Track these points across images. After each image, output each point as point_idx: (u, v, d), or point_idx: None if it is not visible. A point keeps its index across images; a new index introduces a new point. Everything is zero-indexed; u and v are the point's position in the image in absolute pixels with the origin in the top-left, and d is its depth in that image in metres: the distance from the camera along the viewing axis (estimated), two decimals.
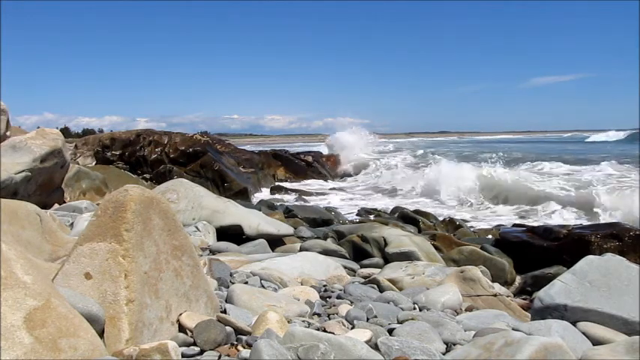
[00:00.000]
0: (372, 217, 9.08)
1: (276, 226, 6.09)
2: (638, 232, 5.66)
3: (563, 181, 12.15)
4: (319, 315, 2.53)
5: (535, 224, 7.54)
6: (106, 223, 1.81)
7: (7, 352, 1.27)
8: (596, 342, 2.21)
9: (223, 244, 5.00)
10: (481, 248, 5.70)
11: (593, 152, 25.80)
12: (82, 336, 1.45)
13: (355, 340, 1.74)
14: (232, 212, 6.19)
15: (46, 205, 6.64)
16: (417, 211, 8.97)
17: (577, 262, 2.66)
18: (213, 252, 4.56)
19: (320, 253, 4.62)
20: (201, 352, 1.78)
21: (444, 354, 1.98)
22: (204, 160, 14.12)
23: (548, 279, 4.16)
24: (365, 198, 13.35)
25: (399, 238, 5.40)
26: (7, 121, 7.96)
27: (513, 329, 2.19)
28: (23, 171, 7.17)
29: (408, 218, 8.43)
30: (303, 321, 2.31)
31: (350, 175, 18.21)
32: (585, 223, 7.12)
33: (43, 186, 7.79)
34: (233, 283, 2.85)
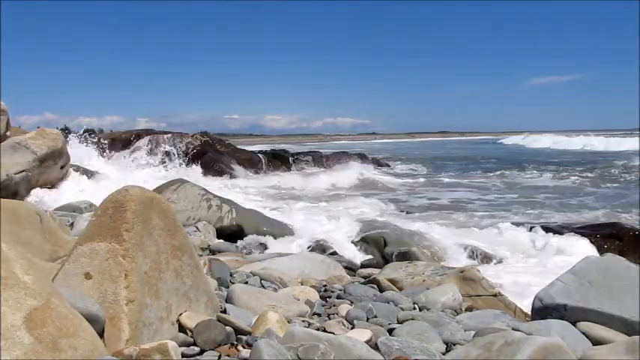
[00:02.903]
0: None
1: (277, 226, 6.10)
2: (638, 232, 5.67)
3: None
4: (319, 315, 2.53)
5: None
6: (106, 223, 1.81)
7: (7, 352, 1.27)
8: (596, 342, 2.20)
9: (223, 244, 5.01)
10: None
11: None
12: (82, 336, 1.45)
13: (355, 340, 1.74)
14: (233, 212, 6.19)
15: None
16: None
17: (577, 262, 2.66)
18: (213, 252, 4.56)
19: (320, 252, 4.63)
20: (202, 352, 1.78)
21: (444, 354, 1.98)
22: (204, 160, 14.12)
23: None
24: None
25: (399, 237, 5.40)
26: (7, 121, 7.96)
27: (513, 329, 2.19)
28: (23, 171, 7.17)
29: None
30: (303, 321, 2.31)
31: None
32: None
33: (43, 186, 7.78)
34: (233, 283, 2.84)
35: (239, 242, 5.57)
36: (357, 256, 5.41)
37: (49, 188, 7.75)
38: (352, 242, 5.69)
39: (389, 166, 20.48)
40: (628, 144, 33.36)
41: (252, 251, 5.12)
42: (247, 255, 4.62)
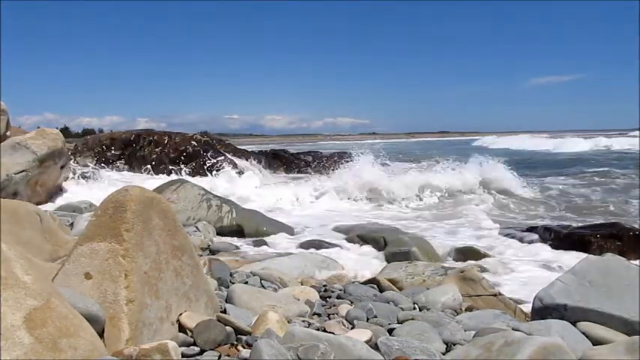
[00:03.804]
0: None
1: (277, 226, 6.10)
2: (638, 232, 5.66)
3: None
4: (319, 315, 2.53)
5: None
6: (106, 223, 1.81)
7: (7, 352, 1.27)
8: (596, 342, 2.20)
9: (223, 244, 5.01)
10: None
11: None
12: (82, 336, 1.45)
13: (355, 340, 1.74)
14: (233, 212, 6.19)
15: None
16: None
17: (577, 262, 2.66)
18: (213, 252, 4.56)
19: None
20: (202, 352, 1.78)
21: (444, 354, 1.98)
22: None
23: None
24: None
25: (399, 237, 5.40)
26: (7, 121, 7.96)
27: (513, 329, 2.19)
28: (23, 171, 7.17)
29: None
30: (303, 321, 2.31)
31: None
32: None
33: (43, 186, 7.78)
34: (233, 283, 2.85)
35: (239, 242, 5.57)
36: (357, 256, 5.41)
37: None
38: (352, 242, 5.68)
39: (389, 165, 20.52)
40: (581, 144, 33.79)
41: (252, 251, 5.11)
42: (247, 255, 4.61)
